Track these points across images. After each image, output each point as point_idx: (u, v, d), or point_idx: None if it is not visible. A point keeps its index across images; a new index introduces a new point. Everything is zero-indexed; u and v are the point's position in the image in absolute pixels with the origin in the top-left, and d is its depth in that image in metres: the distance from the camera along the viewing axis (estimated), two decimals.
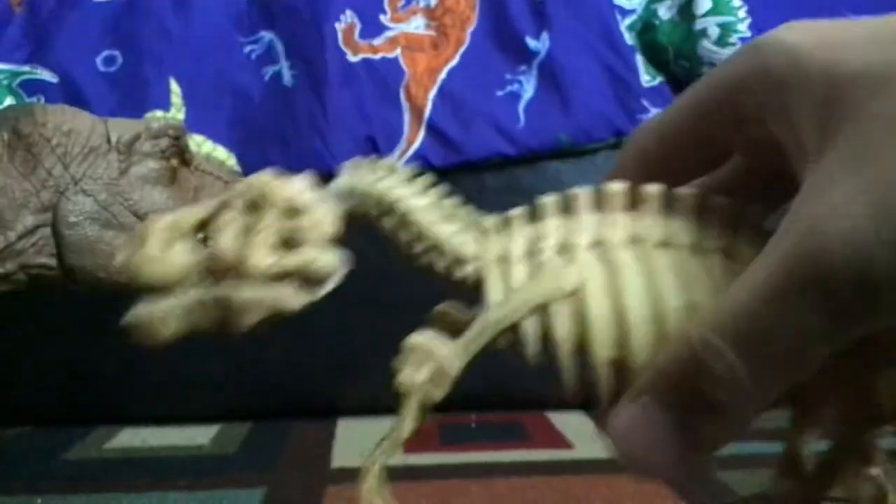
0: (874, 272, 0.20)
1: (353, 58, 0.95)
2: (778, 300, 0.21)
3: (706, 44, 0.93)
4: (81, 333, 0.96)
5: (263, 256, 0.27)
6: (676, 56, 0.96)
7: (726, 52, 0.91)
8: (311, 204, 0.28)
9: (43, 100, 0.92)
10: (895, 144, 0.20)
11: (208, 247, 0.27)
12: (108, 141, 0.51)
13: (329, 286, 0.29)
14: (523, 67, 0.98)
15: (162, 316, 0.28)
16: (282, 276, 0.27)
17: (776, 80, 0.23)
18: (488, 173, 0.96)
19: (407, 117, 0.94)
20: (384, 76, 0.95)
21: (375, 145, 0.92)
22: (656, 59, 0.98)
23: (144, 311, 0.28)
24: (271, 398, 0.99)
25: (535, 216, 0.28)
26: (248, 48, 0.99)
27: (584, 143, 0.96)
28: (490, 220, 0.29)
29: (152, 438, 0.92)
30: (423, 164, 0.93)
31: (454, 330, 0.30)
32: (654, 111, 0.96)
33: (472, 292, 0.29)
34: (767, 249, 0.22)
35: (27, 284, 0.53)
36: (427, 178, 0.30)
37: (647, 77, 0.97)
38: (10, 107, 0.91)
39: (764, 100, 0.23)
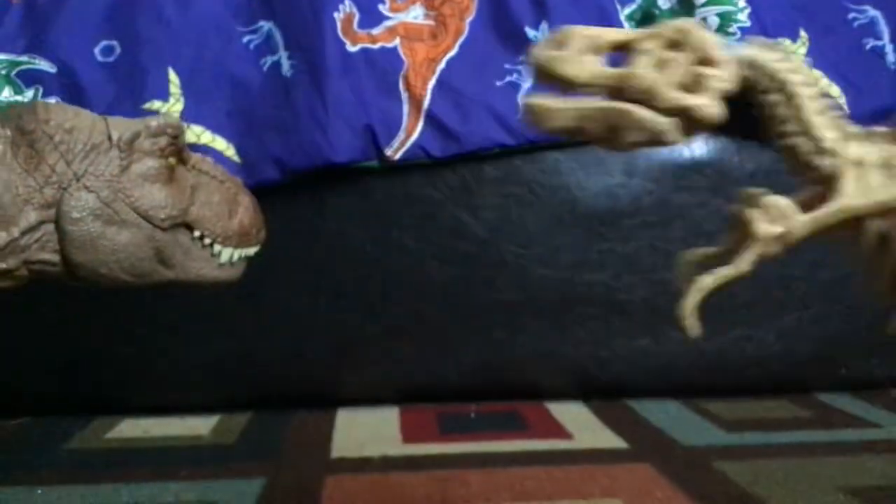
0: None
1: (351, 48, 0.95)
2: None
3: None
4: (82, 325, 0.96)
5: (670, 88, 0.32)
6: None
7: (725, 41, 0.91)
8: (720, 58, 0.33)
9: (41, 90, 0.92)
10: None
11: (625, 66, 0.33)
12: (109, 139, 0.51)
13: (703, 136, 0.35)
14: (522, 57, 0.97)
15: (559, 109, 0.33)
16: (674, 111, 0.32)
17: None
18: (487, 163, 0.95)
19: (406, 108, 0.94)
20: (383, 66, 0.95)
21: (374, 135, 0.92)
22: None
23: (543, 102, 0.33)
24: (271, 388, 0.99)
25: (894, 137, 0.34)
26: (246, 38, 0.98)
27: None
28: (855, 128, 0.34)
29: (153, 428, 0.92)
30: (423, 154, 0.93)
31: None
32: None
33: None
34: None
35: (29, 280, 0.54)
36: (815, 73, 0.37)
37: None
38: (12, 104, 0.91)
39: None
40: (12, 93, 0.91)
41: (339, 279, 0.96)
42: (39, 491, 0.72)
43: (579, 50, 0.33)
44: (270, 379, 0.99)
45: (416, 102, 0.94)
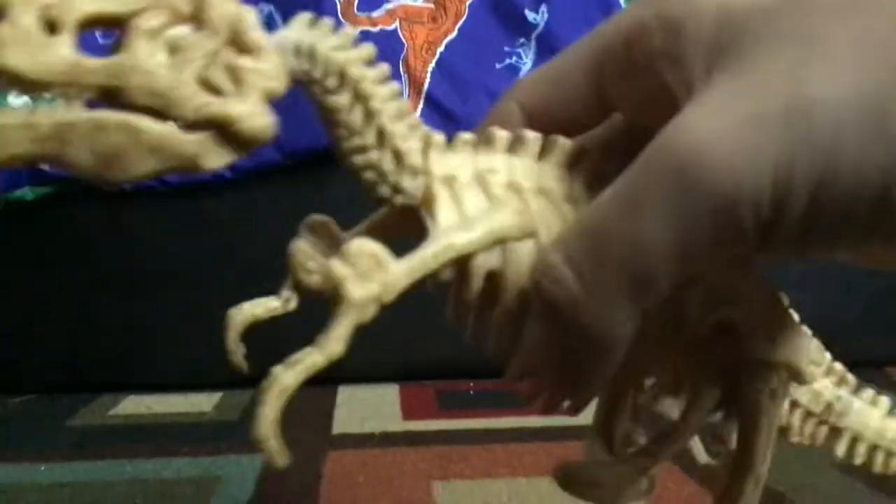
0: (743, 188, 0.19)
1: (351, 30, 0.95)
2: (629, 205, 0.21)
3: None
4: (85, 302, 0.96)
5: (194, 91, 0.21)
6: None
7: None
8: (262, 46, 0.22)
9: None
10: (779, 61, 0.20)
11: (116, 52, 0.21)
12: None
13: (246, 152, 0.23)
14: (522, 40, 0.98)
15: (8, 130, 0.19)
16: (203, 123, 0.21)
17: (672, 24, 0.22)
18: None
19: (406, 90, 0.94)
20: (383, 49, 0.94)
21: None
22: None
23: None
24: (274, 365, 1.00)
25: (485, 143, 0.27)
26: None
27: None
28: (439, 137, 0.27)
29: (156, 405, 0.93)
30: None
31: (331, 245, 0.28)
32: None
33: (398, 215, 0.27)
34: (631, 164, 0.21)
35: None
36: (383, 67, 0.25)
37: None
38: None
39: (659, 45, 0.23)
40: None
41: None
42: (42, 468, 0.73)
43: (32, 26, 0.19)
44: (273, 356, 0.99)
45: (416, 85, 0.94)
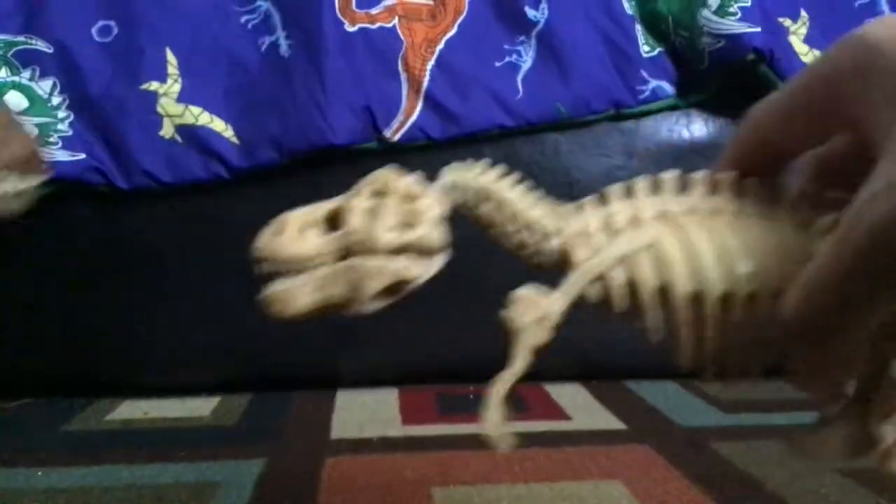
0: None
1: (350, 27, 0.94)
2: (846, 271, 0.26)
3: (706, 13, 0.92)
4: (82, 306, 0.96)
5: (387, 231, 0.33)
6: (676, 26, 0.95)
7: (725, 21, 0.91)
8: (423, 192, 0.34)
9: (38, 70, 0.92)
10: None
11: (340, 229, 0.33)
12: None
13: (439, 261, 0.35)
14: (522, 38, 0.97)
15: (296, 290, 0.33)
16: (401, 250, 0.33)
17: (860, 71, 0.26)
18: (487, 145, 0.95)
19: (405, 88, 0.94)
20: (381, 46, 0.94)
21: (373, 116, 0.91)
22: (656, 28, 0.97)
23: (280, 287, 0.33)
24: (271, 370, 0.99)
25: (602, 201, 0.35)
26: (244, 18, 0.97)
27: (583, 115, 0.96)
28: (567, 206, 0.36)
29: (153, 410, 0.93)
30: (422, 135, 0.93)
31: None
32: (653, 82, 0.95)
33: (553, 270, 0.36)
34: (843, 218, 0.26)
35: None
36: (514, 175, 0.36)
37: (646, 47, 0.96)
38: (8, 84, 0.90)
39: (852, 89, 0.27)
40: (9, 73, 0.91)
41: None
42: (39, 472, 0.73)
43: (298, 229, 0.33)
44: (270, 361, 0.99)
45: (415, 83, 0.93)
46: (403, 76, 0.94)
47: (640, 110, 0.97)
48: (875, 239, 0.24)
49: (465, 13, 0.97)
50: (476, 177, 0.36)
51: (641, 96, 0.96)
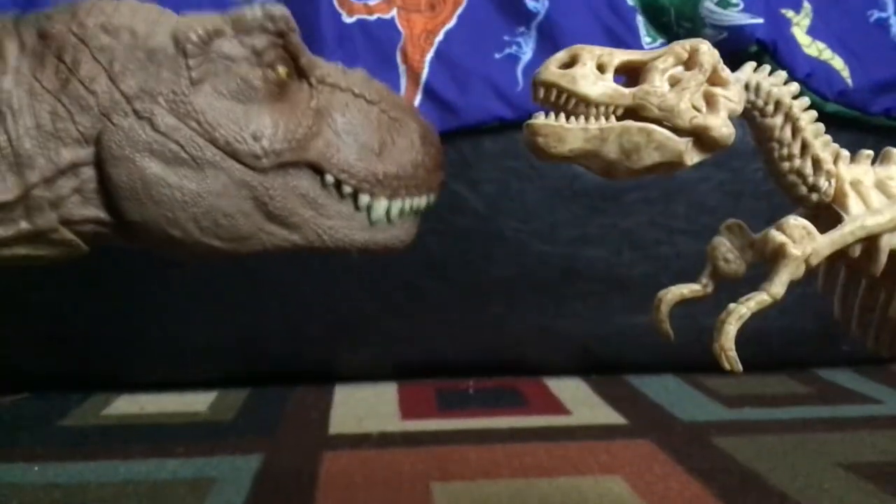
0: None
1: (347, 18, 0.93)
2: None
3: (708, 4, 0.91)
4: (80, 301, 0.95)
5: (688, 108, 0.32)
6: (678, 17, 0.94)
7: (728, 13, 0.90)
8: (730, 80, 0.33)
9: None
10: None
11: (636, 85, 0.32)
12: (176, 42, 0.35)
13: (711, 154, 0.34)
14: (522, 29, 0.96)
15: (571, 130, 0.31)
16: (690, 131, 0.32)
17: None
18: (487, 137, 0.94)
19: (404, 80, 0.93)
20: (379, 38, 0.93)
21: None
22: (657, 20, 0.96)
23: (551, 122, 0.31)
24: (269, 365, 0.99)
25: (885, 159, 0.36)
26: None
27: None
28: (846, 152, 0.36)
29: (150, 405, 0.92)
30: None
31: (743, 244, 0.38)
32: None
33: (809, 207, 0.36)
34: None
35: (74, 246, 0.39)
36: (806, 101, 0.36)
37: (647, 38, 0.95)
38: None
39: None
40: None
41: (337, 256, 0.95)
42: (36, 468, 0.72)
43: (590, 68, 0.31)
44: (268, 355, 0.98)
45: (413, 75, 0.93)
46: (402, 68, 0.93)
47: None
48: None
49: (464, 4, 0.96)
50: (779, 87, 0.35)
51: None
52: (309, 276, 0.95)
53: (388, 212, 0.38)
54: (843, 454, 0.71)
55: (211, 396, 0.95)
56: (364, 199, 0.38)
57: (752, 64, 0.36)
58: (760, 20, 0.90)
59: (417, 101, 0.92)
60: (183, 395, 0.95)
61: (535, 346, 1.00)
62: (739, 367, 0.35)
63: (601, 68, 0.32)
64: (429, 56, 0.93)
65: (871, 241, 0.34)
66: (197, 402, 0.93)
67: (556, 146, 0.31)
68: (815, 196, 0.36)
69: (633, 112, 0.32)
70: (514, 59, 0.95)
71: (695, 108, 0.32)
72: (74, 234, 0.37)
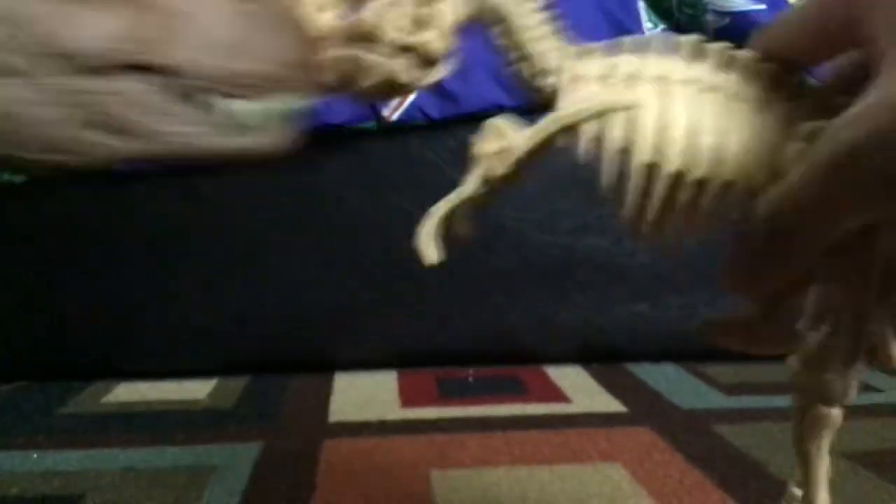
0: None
1: None
2: (821, 181, 0.26)
3: None
4: (78, 288, 0.95)
5: (395, 29, 0.32)
6: (680, 3, 0.94)
7: None
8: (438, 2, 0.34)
9: None
10: None
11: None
12: None
13: (440, 72, 0.34)
14: None
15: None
16: (405, 50, 0.33)
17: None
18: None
19: None
20: None
21: None
22: (659, 5, 0.96)
23: None
24: (269, 353, 0.99)
25: (613, 50, 0.34)
26: None
27: None
28: (574, 48, 0.35)
29: (149, 392, 0.92)
30: (421, 115, 0.92)
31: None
32: None
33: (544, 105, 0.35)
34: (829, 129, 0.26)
35: None
36: (535, 4, 0.35)
37: (648, 24, 0.95)
38: None
39: (864, 4, 0.27)
40: None
41: (337, 243, 0.95)
42: (35, 455, 0.72)
43: (318, 4, 0.33)
44: (268, 344, 0.98)
45: None
46: None
47: None
48: (853, 155, 0.25)
49: None
50: None
51: None
52: (309, 265, 0.95)
53: (248, 115, 0.32)
54: (843, 442, 0.71)
55: (210, 384, 0.95)
56: (218, 101, 0.31)
57: None
58: (763, 6, 0.89)
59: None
60: (182, 383, 0.95)
61: (535, 334, 1.00)
62: (434, 256, 0.34)
63: (332, 4, 0.33)
64: None
65: (574, 131, 0.33)
66: (197, 390, 0.93)
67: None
68: (540, 95, 0.35)
69: (353, 42, 0.33)
70: None
71: (413, 28, 0.33)
72: None
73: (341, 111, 0.89)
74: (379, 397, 0.88)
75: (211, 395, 0.91)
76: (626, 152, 0.32)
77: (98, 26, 0.30)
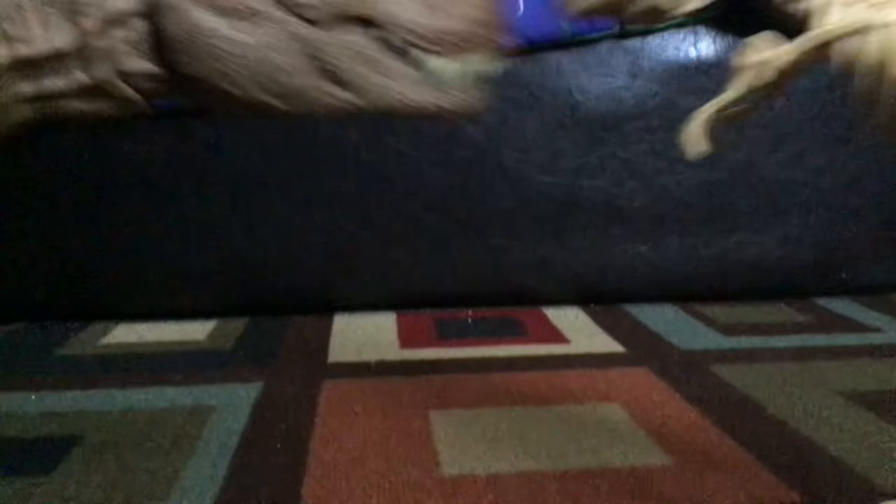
0: None
1: None
2: None
3: None
4: (76, 230, 0.94)
5: None
6: None
7: None
8: None
9: None
10: None
11: None
12: None
13: (695, 3, 0.37)
14: None
15: None
16: None
17: None
18: None
19: None
20: None
21: None
22: None
23: None
24: (268, 295, 0.98)
25: None
26: None
27: (588, 33, 0.92)
28: None
29: (148, 334, 0.92)
30: None
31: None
32: None
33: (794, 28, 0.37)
34: None
35: (134, 101, 0.36)
36: None
37: None
38: None
39: None
40: None
41: (335, 185, 0.94)
42: (34, 397, 0.72)
43: None
44: (267, 285, 0.98)
45: None
46: None
47: (645, 28, 0.93)
48: None
49: None
50: None
51: None
52: (308, 207, 0.94)
53: (448, 73, 0.34)
54: (842, 382, 0.72)
55: (210, 325, 0.95)
56: (427, 58, 0.33)
57: None
58: None
59: None
60: (181, 325, 0.95)
61: (535, 275, 1.00)
62: (701, 147, 0.38)
63: None
64: None
65: (831, 47, 0.36)
66: (196, 331, 0.92)
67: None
68: (800, 12, 0.37)
69: None
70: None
71: None
72: (135, 89, 0.35)
73: None
74: (378, 338, 0.88)
75: (210, 336, 0.91)
76: (881, 65, 0.34)
77: None
